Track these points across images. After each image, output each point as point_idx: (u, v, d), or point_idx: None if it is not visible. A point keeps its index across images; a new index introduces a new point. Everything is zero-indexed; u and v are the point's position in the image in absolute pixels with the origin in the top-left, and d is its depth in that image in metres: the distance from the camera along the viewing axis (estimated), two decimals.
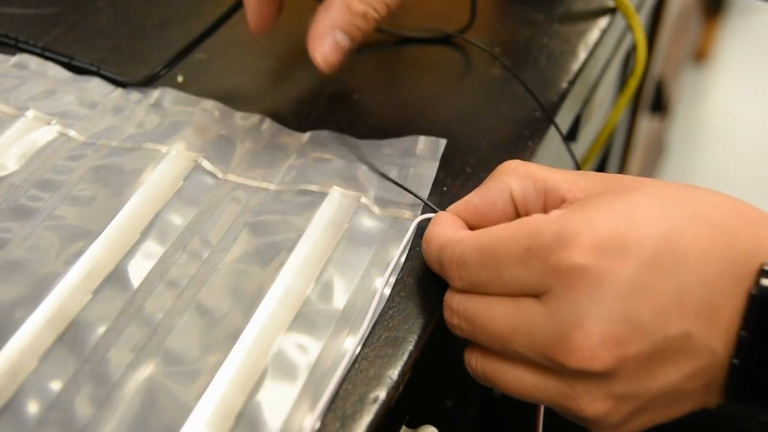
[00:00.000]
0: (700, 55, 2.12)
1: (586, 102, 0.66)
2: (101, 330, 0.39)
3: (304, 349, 0.39)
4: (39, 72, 0.55)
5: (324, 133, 0.50)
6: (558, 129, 0.53)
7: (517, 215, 0.40)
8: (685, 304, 0.34)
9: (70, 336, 0.39)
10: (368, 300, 0.41)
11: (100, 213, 0.44)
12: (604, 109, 0.79)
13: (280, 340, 0.39)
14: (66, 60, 0.55)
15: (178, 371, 0.37)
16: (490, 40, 0.59)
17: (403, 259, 0.43)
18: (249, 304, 0.40)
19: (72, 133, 0.50)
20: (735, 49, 2.21)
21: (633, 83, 0.66)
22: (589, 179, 0.39)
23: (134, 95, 0.53)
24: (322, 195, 0.46)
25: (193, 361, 0.38)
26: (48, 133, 0.50)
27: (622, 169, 1.15)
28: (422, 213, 0.45)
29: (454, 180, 0.48)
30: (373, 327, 0.40)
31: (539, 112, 0.53)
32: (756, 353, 0.34)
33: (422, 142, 0.49)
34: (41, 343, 0.38)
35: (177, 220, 0.45)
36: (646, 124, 1.33)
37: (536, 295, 0.35)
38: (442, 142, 0.49)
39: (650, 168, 1.57)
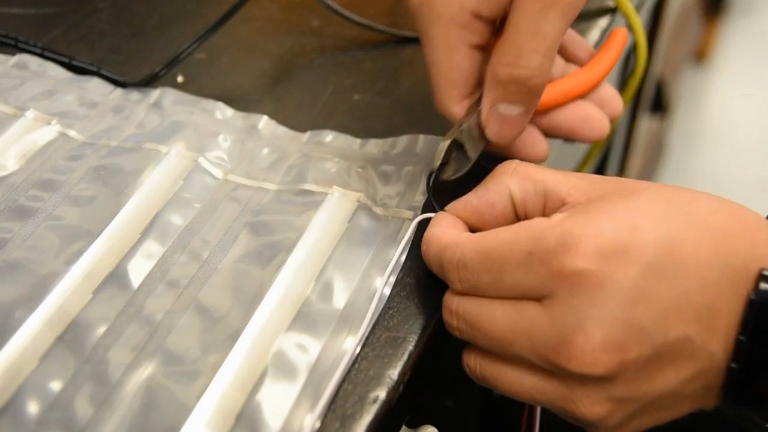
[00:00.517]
0: (700, 55, 2.12)
1: None
2: (101, 330, 0.39)
3: (304, 349, 0.39)
4: (39, 72, 0.55)
5: (324, 133, 0.50)
6: None
7: (516, 216, 0.40)
8: (684, 308, 0.34)
9: (70, 336, 0.39)
10: (368, 300, 0.41)
11: (100, 213, 0.44)
12: None
13: (280, 340, 0.39)
14: (66, 60, 0.55)
15: (178, 371, 0.37)
16: None
17: (403, 258, 0.43)
18: (249, 304, 0.40)
19: (72, 133, 0.50)
20: (735, 49, 2.21)
21: (633, 83, 0.66)
22: (590, 182, 0.39)
23: (134, 95, 0.53)
24: (322, 195, 0.46)
25: (193, 361, 0.38)
26: (48, 133, 0.50)
27: (621, 169, 1.15)
28: (426, 212, 0.44)
29: (455, 180, 0.48)
30: (373, 327, 0.40)
31: None
32: (754, 357, 0.34)
33: (422, 141, 0.49)
34: (41, 343, 0.38)
35: (177, 220, 0.45)
36: (646, 124, 1.34)
37: (537, 298, 0.36)
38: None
39: (650, 168, 1.57)
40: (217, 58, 0.57)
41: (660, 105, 1.50)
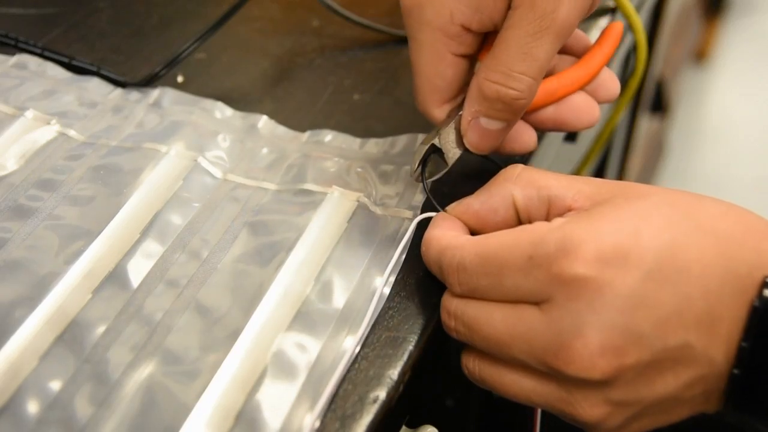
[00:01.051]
0: (700, 55, 2.11)
1: None
2: (101, 329, 0.39)
3: (303, 349, 0.39)
4: (38, 72, 0.54)
5: (323, 133, 0.50)
6: None
7: (519, 222, 0.40)
8: (685, 315, 0.34)
9: (70, 335, 0.39)
10: (368, 299, 0.41)
11: (100, 213, 0.44)
12: (604, 109, 0.79)
13: (279, 339, 0.39)
14: (66, 60, 0.55)
15: (178, 371, 0.37)
16: None
17: (402, 258, 0.43)
18: (248, 303, 0.40)
19: (71, 132, 0.50)
20: (735, 49, 2.20)
21: (633, 83, 0.66)
22: (595, 186, 0.38)
23: (134, 95, 0.53)
24: (322, 195, 0.46)
25: (193, 360, 0.38)
26: (47, 132, 0.50)
27: (622, 169, 1.15)
28: (426, 212, 0.44)
29: (454, 180, 0.48)
30: (373, 327, 0.40)
31: None
32: (756, 364, 0.34)
33: (421, 139, 0.49)
34: (41, 343, 0.38)
35: (176, 219, 0.45)
36: (646, 124, 1.33)
37: (536, 302, 0.36)
38: None
39: (650, 168, 1.57)
40: (217, 58, 0.57)
41: (660, 105, 1.50)
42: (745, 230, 0.36)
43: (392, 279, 0.42)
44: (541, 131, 0.46)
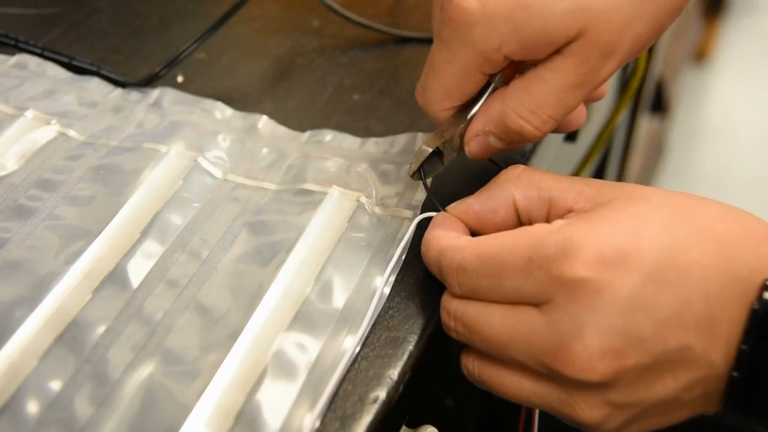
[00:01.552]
0: (700, 55, 2.11)
1: (586, 102, 0.66)
2: (101, 329, 0.39)
3: (303, 349, 0.39)
4: (38, 72, 0.54)
5: (323, 133, 0.50)
6: None
7: (519, 222, 0.40)
8: (685, 317, 0.34)
9: (70, 335, 0.39)
10: (368, 299, 0.41)
11: (100, 213, 0.44)
12: (604, 109, 0.79)
13: (279, 339, 0.39)
14: (66, 60, 0.55)
15: (178, 371, 0.37)
16: None
17: (403, 258, 0.43)
18: (248, 303, 0.40)
19: (71, 132, 0.50)
20: (735, 49, 2.20)
21: (633, 83, 0.66)
22: (595, 188, 0.38)
23: (134, 95, 0.53)
24: (322, 195, 0.46)
25: (193, 360, 0.38)
26: (47, 132, 0.50)
27: (622, 169, 1.15)
28: (426, 212, 0.44)
29: (454, 180, 0.48)
30: (373, 327, 0.40)
31: None
32: (756, 366, 0.34)
33: (421, 138, 0.49)
34: (41, 343, 0.38)
35: (176, 219, 0.45)
36: (646, 124, 1.33)
37: (536, 303, 0.36)
38: None
39: (650, 168, 1.57)
40: (217, 58, 0.57)
41: (660, 105, 1.50)
42: (746, 233, 0.36)
43: (392, 279, 0.42)
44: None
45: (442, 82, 0.41)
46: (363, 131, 0.51)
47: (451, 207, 0.42)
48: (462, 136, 0.43)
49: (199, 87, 0.54)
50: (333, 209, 0.45)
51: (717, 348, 0.34)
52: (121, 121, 0.51)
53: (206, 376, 0.37)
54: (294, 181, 0.47)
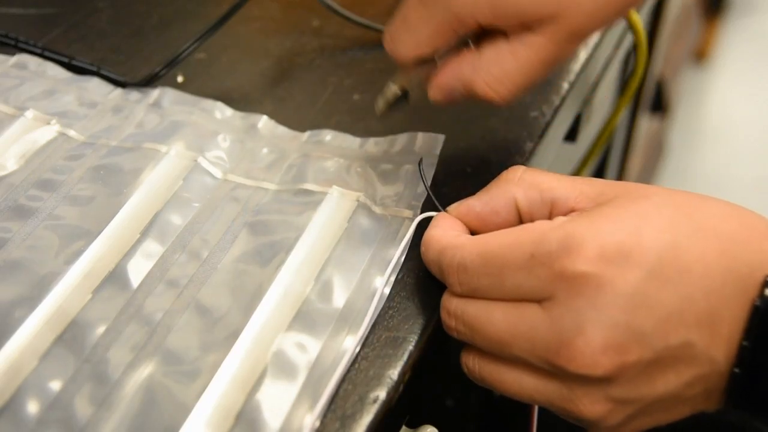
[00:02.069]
0: (700, 55, 2.11)
1: (586, 102, 0.66)
2: (101, 329, 0.39)
3: (303, 349, 0.39)
4: (38, 72, 0.54)
5: (323, 133, 0.50)
6: None
7: (521, 223, 0.40)
8: (687, 314, 0.34)
9: (70, 335, 0.39)
10: (368, 299, 0.41)
11: (100, 213, 0.44)
12: (604, 109, 0.79)
13: (279, 339, 0.39)
14: (66, 60, 0.55)
15: (178, 371, 0.37)
16: None
17: (402, 258, 0.43)
18: (248, 303, 0.40)
19: (71, 132, 0.50)
20: (735, 49, 2.20)
21: (633, 83, 0.66)
22: (597, 187, 0.38)
23: (134, 95, 0.53)
24: (322, 195, 0.46)
25: (193, 360, 0.38)
26: (47, 132, 0.50)
27: (622, 169, 1.15)
28: (426, 212, 0.44)
29: (454, 180, 0.48)
30: (373, 327, 0.40)
31: (538, 113, 0.53)
32: (757, 363, 0.34)
33: (421, 138, 0.49)
34: (41, 343, 0.38)
35: (176, 219, 0.45)
36: (646, 124, 1.33)
37: (537, 300, 0.36)
38: (441, 138, 0.49)
39: (650, 168, 1.57)
40: (217, 58, 0.57)
41: (660, 105, 1.50)
42: (747, 230, 0.36)
43: (392, 279, 0.42)
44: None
45: (414, 36, 0.43)
46: (363, 131, 0.51)
47: (452, 207, 0.42)
48: (427, 78, 0.44)
49: (199, 87, 0.54)
50: (333, 209, 0.45)
51: (718, 345, 0.34)
52: (121, 121, 0.51)
53: (206, 376, 0.37)
54: (294, 181, 0.47)
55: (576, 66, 0.57)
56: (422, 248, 0.41)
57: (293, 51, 0.59)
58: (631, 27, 0.62)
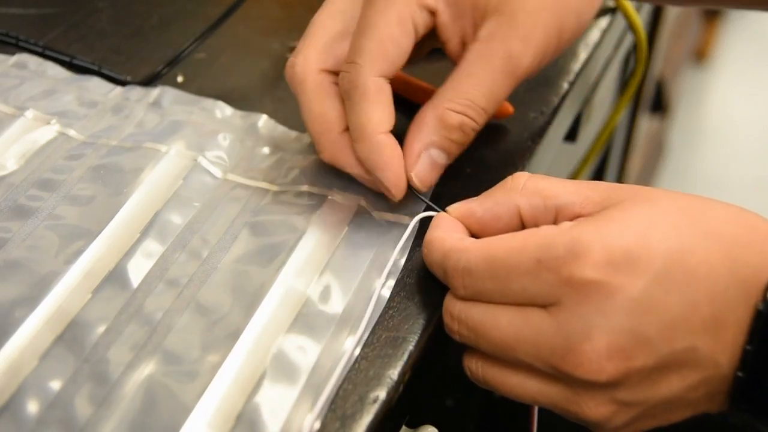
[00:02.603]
0: (700, 55, 2.11)
1: (586, 102, 0.66)
2: (101, 329, 0.39)
3: (303, 351, 0.39)
4: (38, 71, 0.54)
5: None
6: None
7: (523, 228, 0.40)
8: (692, 319, 0.34)
9: (70, 335, 0.39)
10: (368, 302, 0.41)
11: (100, 212, 0.44)
12: (604, 109, 0.79)
13: (280, 340, 0.39)
14: (67, 59, 0.55)
15: (178, 371, 0.37)
16: None
17: (402, 261, 0.43)
18: (249, 304, 0.40)
19: (71, 132, 0.50)
20: (735, 49, 2.20)
21: (633, 83, 0.66)
22: (603, 192, 0.38)
23: (134, 94, 0.53)
24: (322, 198, 0.46)
25: (193, 360, 0.38)
26: (47, 132, 0.50)
27: (622, 169, 1.15)
28: (425, 212, 0.44)
29: (454, 180, 0.48)
30: (374, 327, 0.40)
31: (538, 113, 0.53)
32: (760, 366, 0.34)
33: None
34: (41, 343, 0.38)
35: (176, 219, 0.45)
36: (646, 124, 1.33)
37: (543, 305, 0.36)
38: None
39: (650, 168, 1.57)
40: (217, 58, 0.57)
41: (660, 105, 1.50)
42: (751, 233, 0.36)
43: (392, 282, 0.42)
44: None
45: (377, 37, 0.42)
46: None
47: (452, 208, 0.42)
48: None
49: (199, 87, 0.54)
50: (333, 212, 0.45)
51: (722, 349, 0.35)
52: (121, 121, 0.51)
53: (207, 376, 0.37)
54: (294, 182, 0.47)
55: (576, 66, 0.57)
56: (424, 250, 0.41)
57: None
58: (631, 27, 0.62)
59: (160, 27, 0.60)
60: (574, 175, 0.75)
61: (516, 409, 0.47)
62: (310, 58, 0.44)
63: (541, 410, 0.43)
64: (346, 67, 0.42)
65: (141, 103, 0.52)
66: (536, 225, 0.39)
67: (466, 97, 0.42)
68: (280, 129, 0.51)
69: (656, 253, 0.34)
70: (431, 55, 0.49)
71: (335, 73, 0.44)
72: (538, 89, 0.54)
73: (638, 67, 0.65)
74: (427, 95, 0.44)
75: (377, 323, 0.40)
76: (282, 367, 0.38)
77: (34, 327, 0.39)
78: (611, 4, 0.61)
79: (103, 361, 0.38)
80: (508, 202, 0.40)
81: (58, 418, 0.36)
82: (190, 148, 0.48)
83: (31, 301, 0.40)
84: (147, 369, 0.37)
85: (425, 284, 0.42)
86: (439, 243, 0.40)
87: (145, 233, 0.43)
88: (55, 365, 0.38)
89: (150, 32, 0.59)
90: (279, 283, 0.41)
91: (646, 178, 1.52)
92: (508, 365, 0.38)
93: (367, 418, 0.36)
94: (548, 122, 0.53)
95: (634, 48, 0.64)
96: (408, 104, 0.45)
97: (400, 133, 0.43)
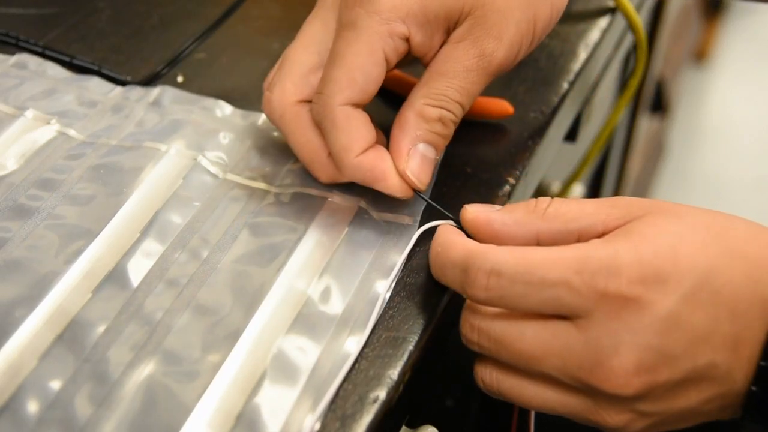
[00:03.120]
0: (700, 55, 2.11)
1: (586, 102, 0.66)
2: (101, 329, 0.39)
3: (304, 351, 0.39)
4: (38, 71, 0.54)
5: None
6: None
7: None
8: (714, 336, 0.35)
9: (70, 335, 0.39)
10: (368, 304, 0.41)
11: (100, 212, 0.44)
12: (604, 109, 0.79)
13: (280, 341, 0.39)
14: (67, 59, 0.55)
15: (178, 371, 0.37)
16: None
17: (403, 264, 0.43)
18: (249, 304, 0.40)
19: (71, 132, 0.50)
20: (735, 49, 2.20)
21: (633, 83, 0.66)
22: (623, 207, 0.38)
23: (134, 94, 0.53)
24: (322, 198, 0.46)
25: (193, 361, 0.38)
26: (47, 132, 0.50)
27: (622, 169, 1.15)
28: (428, 215, 0.44)
29: (454, 180, 0.48)
30: (373, 327, 0.40)
31: (538, 113, 0.53)
32: None
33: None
34: (41, 343, 0.38)
35: (176, 219, 0.45)
36: (646, 124, 1.33)
37: (570, 317, 0.36)
38: None
39: (650, 168, 1.57)
40: (217, 58, 0.57)
41: (660, 105, 1.50)
42: None
43: (392, 285, 0.42)
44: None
45: (345, 67, 0.42)
46: None
47: (470, 208, 0.41)
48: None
49: (199, 87, 0.54)
50: (333, 213, 0.45)
51: (740, 365, 0.36)
52: (121, 120, 0.51)
53: (207, 376, 0.37)
54: (294, 184, 0.47)
55: (576, 66, 0.57)
56: (438, 249, 0.41)
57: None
58: (631, 27, 0.62)
59: (160, 27, 0.60)
60: (574, 175, 0.75)
61: (515, 409, 0.47)
62: (287, 91, 0.44)
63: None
64: (315, 98, 0.43)
65: (141, 102, 0.52)
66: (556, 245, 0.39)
67: (441, 93, 0.42)
68: None
69: (685, 273, 0.35)
70: None
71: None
72: (538, 89, 0.54)
73: (638, 67, 0.65)
74: None
75: (377, 323, 0.40)
76: (282, 368, 0.38)
77: (33, 327, 0.39)
78: (611, 4, 0.61)
79: (103, 361, 0.38)
80: (529, 226, 0.40)
81: (58, 418, 0.36)
82: (190, 148, 0.48)
83: (31, 300, 0.40)
84: (147, 369, 0.37)
85: (425, 284, 0.42)
86: (461, 243, 0.40)
87: (145, 233, 0.43)
88: (55, 365, 0.38)
89: (150, 32, 0.59)
90: (279, 284, 0.41)
91: (646, 178, 1.52)
92: (526, 376, 0.38)
93: (367, 418, 0.36)
94: (548, 122, 0.53)
95: (634, 48, 0.64)
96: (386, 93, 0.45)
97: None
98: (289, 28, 0.60)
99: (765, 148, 1.96)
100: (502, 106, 0.51)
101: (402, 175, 0.43)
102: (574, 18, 0.61)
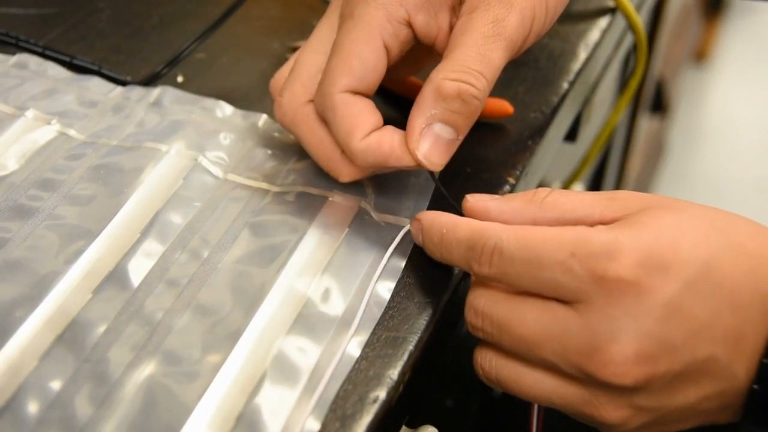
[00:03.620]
0: (700, 55, 2.11)
1: (586, 102, 0.66)
2: (101, 329, 0.39)
3: (304, 352, 0.39)
4: (39, 71, 0.54)
5: None
6: None
7: None
8: (715, 329, 0.35)
9: (70, 335, 0.39)
10: (368, 304, 0.41)
11: (100, 212, 0.44)
12: (604, 109, 0.79)
13: (280, 341, 0.39)
14: (67, 59, 0.55)
15: (178, 371, 0.37)
16: None
17: (403, 262, 0.43)
18: (249, 304, 0.40)
19: (72, 132, 0.50)
20: (735, 49, 2.20)
21: (633, 83, 0.66)
22: (622, 200, 0.38)
23: (134, 94, 0.53)
24: (323, 199, 0.46)
25: (194, 361, 0.38)
26: (48, 132, 0.50)
27: (622, 169, 1.15)
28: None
29: (454, 180, 0.48)
30: (374, 327, 0.40)
31: (538, 113, 0.53)
32: None
33: None
34: (41, 343, 0.38)
35: (177, 219, 0.45)
36: (646, 124, 1.33)
37: (570, 301, 0.36)
38: None
39: (650, 168, 1.57)
40: (217, 58, 0.57)
41: (660, 105, 1.50)
42: None
43: (392, 282, 0.42)
44: None
45: (342, 55, 0.42)
46: None
47: (471, 198, 0.41)
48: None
49: (199, 87, 0.54)
50: (334, 214, 0.45)
51: (741, 361, 0.35)
52: (122, 121, 0.51)
53: (207, 377, 0.37)
54: (295, 183, 0.47)
55: (576, 66, 0.57)
56: (443, 230, 0.40)
57: (293, 51, 0.59)
58: (631, 27, 0.62)
59: (160, 27, 0.60)
60: (574, 175, 0.75)
61: (516, 410, 0.47)
62: (296, 93, 0.44)
63: (540, 411, 0.43)
64: (316, 91, 0.43)
65: (141, 102, 0.52)
66: None
67: (459, 63, 0.41)
68: (281, 129, 0.51)
69: (688, 262, 0.35)
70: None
71: None
72: (538, 89, 0.54)
73: (638, 67, 0.65)
74: None
75: (377, 323, 0.40)
76: (282, 368, 0.38)
77: (34, 327, 0.39)
78: (611, 4, 0.61)
79: (103, 361, 0.38)
80: (526, 214, 0.40)
81: (58, 418, 0.36)
82: (191, 148, 0.48)
83: (31, 301, 0.40)
84: (147, 369, 0.37)
85: (425, 284, 0.42)
86: (466, 222, 0.39)
87: (145, 233, 0.43)
88: (55, 365, 0.38)
89: (150, 32, 0.59)
90: (279, 284, 0.41)
91: (646, 177, 1.52)
92: (525, 363, 0.38)
93: (367, 418, 0.36)
94: (548, 122, 0.53)
95: (634, 48, 0.64)
96: (409, 104, 0.45)
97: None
98: (289, 28, 0.61)
99: (765, 148, 1.96)
100: (502, 106, 0.51)
101: (412, 155, 0.41)
102: (574, 18, 0.61)
